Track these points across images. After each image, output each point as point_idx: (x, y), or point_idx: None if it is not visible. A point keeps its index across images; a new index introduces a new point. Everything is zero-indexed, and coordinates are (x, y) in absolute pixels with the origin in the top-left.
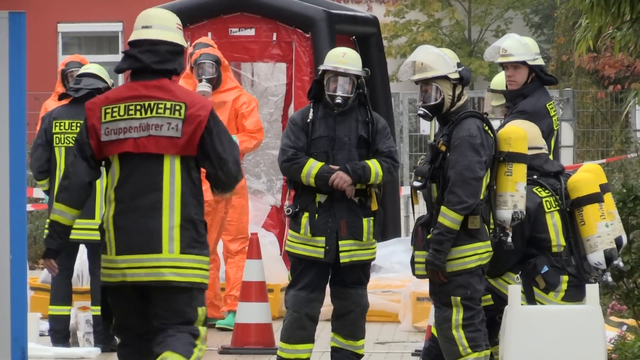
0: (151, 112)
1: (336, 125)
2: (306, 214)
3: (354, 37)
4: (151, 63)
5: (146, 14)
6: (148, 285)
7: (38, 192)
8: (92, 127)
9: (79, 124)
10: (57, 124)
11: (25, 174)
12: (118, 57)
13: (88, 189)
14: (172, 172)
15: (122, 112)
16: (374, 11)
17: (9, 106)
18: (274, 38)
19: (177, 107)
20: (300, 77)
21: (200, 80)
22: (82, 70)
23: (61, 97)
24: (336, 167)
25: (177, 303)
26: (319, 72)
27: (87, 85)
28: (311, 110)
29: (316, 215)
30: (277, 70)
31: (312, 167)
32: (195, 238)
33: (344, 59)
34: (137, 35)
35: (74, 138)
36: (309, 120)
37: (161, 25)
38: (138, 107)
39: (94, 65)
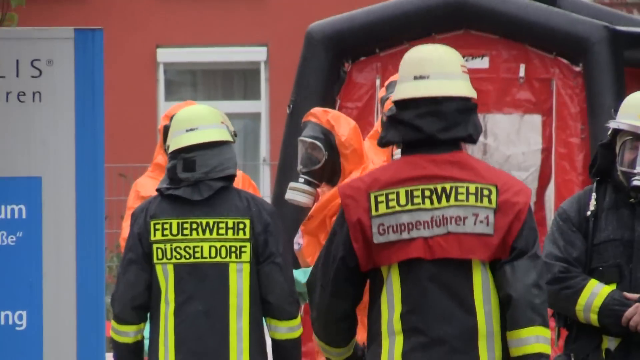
0: (447, 200)
1: (635, 222)
2: None
3: None
4: (436, 131)
5: (417, 58)
6: None
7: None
8: (357, 223)
9: (194, 226)
10: (159, 226)
11: (103, 308)
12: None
13: (351, 319)
14: (485, 286)
15: (402, 201)
16: None
17: (75, 192)
18: (521, 73)
19: (486, 192)
20: (564, 138)
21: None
22: (189, 138)
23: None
24: (635, 296)
25: None
26: (609, 132)
27: (207, 170)
28: (594, 194)
29: None
30: (526, 126)
31: (595, 293)
32: None
33: None
34: (408, 90)
35: (187, 248)
36: (589, 212)
37: (441, 72)
38: (427, 193)
39: (202, 111)
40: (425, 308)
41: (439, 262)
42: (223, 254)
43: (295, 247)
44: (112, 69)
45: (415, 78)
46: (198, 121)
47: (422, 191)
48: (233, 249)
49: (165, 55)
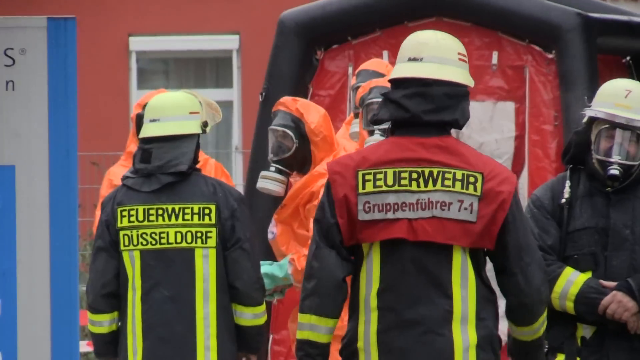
0: (434, 184)
1: (610, 210)
2: (561, 357)
3: (628, 57)
4: (421, 112)
5: (415, 41)
6: None
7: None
8: (343, 200)
9: (160, 212)
10: (125, 213)
11: (77, 295)
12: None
13: (343, 288)
14: (463, 271)
15: (390, 181)
16: None
17: (49, 181)
18: (494, 60)
19: (472, 179)
20: (538, 126)
21: (372, 132)
22: (151, 128)
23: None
24: (612, 284)
25: None
26: (584, 119)
27: (160, 164)
28: (568, 182)
29: (577, 358)
30: (499, 114)
31: (571, 281)
32: None
33: (627, 100)
34: (399, 71)
35: (153, 234)
36: (563, 200)
37: (435, 56)
38: (414, 176)
39: (169, 101)
40: (401, 288)
41: (420, 245)
42: (189, 240)
43: (270, 236)
44: (85, 58)
45: (410, 60)
46: (161, 112)
47: (410, 173)
48: (199, 235)
49: (138, 43)
